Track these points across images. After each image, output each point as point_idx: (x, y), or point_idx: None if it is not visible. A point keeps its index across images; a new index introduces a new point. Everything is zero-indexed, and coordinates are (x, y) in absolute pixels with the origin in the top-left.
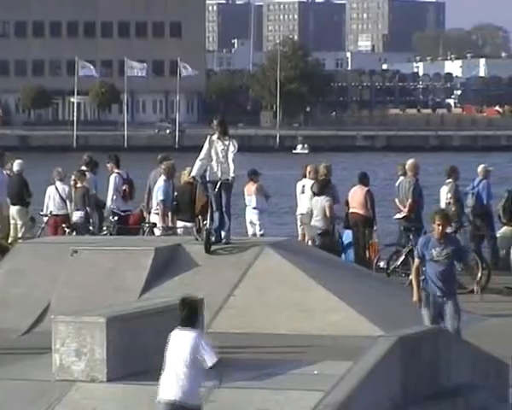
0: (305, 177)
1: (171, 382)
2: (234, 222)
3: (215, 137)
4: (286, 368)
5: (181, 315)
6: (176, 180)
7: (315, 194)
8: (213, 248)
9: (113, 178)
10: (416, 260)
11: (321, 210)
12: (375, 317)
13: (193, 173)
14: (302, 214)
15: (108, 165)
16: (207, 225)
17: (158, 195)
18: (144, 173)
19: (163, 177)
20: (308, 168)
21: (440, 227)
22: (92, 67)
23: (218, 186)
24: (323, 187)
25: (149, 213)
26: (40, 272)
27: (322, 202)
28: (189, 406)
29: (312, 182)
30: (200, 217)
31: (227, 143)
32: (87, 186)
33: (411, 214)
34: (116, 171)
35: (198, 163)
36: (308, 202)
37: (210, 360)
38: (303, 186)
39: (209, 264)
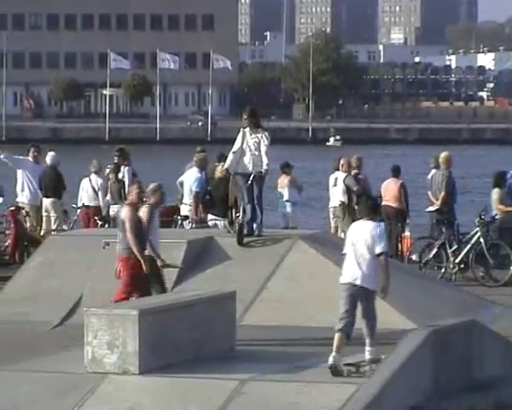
0: (337, 170)
1: (354, 267)
2: (266, 214)
3: (247, 130)
4: (318, 361)
5: (366, 209)
6: (209, 174)
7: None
8: (246, 240)
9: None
10: None
11: None
12: (406, 310)
13: (226, 166)
14: (334, 207)
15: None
16: (240, 217)
17: (193, 186)
18: (176, 166)
19: (196, 169)
20: (341, 161)
21: None
22: (123, 59)
23: (250, 179)
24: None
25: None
26: (72, 265)
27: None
28: (369, 289)
29: (345, 175)
30: (232, 209)
31: (259, 135)
32: (124, 180)
33: (444, 207)
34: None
35: (231, 156)
36: (341, 195)
37: (380, 248)
38: (335, 179)
39: (241, 257)
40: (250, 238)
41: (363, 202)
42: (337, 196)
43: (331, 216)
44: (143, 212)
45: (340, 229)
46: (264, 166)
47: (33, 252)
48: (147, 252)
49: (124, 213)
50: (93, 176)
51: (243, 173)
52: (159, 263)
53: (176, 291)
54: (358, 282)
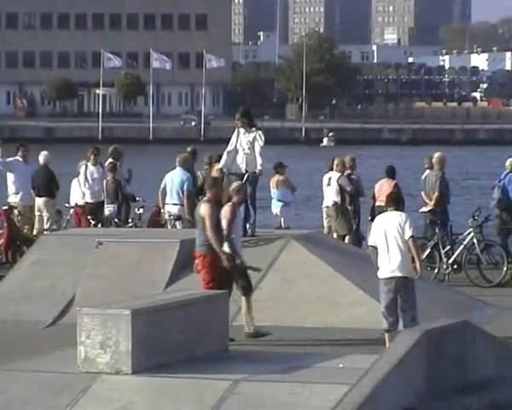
0: (331, 170)
1: (389, 259)
2: (259, 215)
3: (242, 129)
4: (311, 361)
5: (391, 200)
6: (203, 172)
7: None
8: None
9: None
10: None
11: None
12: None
13: (220, 166)
14: (328, 207)
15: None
16: None
17: (185, 186)
18: (170, 166)
19: (180, 168)
20: (335, 161)
21: None
22: (114, 57)
23: (244, 179)
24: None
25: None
26: (65, 264)
27: None
28: (408, 277)
29: (339, 175)
30: None
31: (253, 135)
32: (118, 179)
33: (437, 208)
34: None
35: (225, 156)
36: (334, 195)
37: (410, 232)
38: (329, 179)
39: None
40: (243, 238)
41: (387, 196)
42: (330, 195)
43: (324, 216)
44: (226, 211)
45: (334, 229)
46: (258, 167)
47: (26, 251)
48: (226, 249)
49: (203, 209)
50: (81, 175)
51: (237, 173)
52: (237, 262)
53: (169, 291)
54: (397, 273)
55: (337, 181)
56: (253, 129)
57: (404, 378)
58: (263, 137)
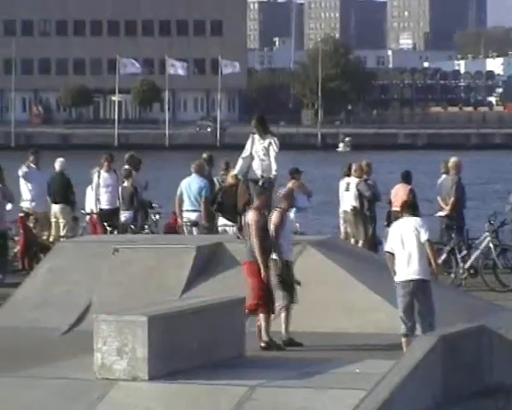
0: (347, 175)
1: (407, 262)
2: None
3: (256, 136)
4: (327, 367)
5: (406, 207)
6: (219, 178)
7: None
8: None
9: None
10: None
11: None
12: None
13: (235, 172)
14: (346, 212)
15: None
16: None
17: (203, 192)
18: (186, 172)
19: (195, 175)
20: (353, 166)
21: None
22: (135, 62)
23: (259, 185)
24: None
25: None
26: (81, 271)
27: None
28: (426, 279)
29: (358, 180)
30: (242, 215)
31: (268, 141)
32: (134, 185)
33: (453, 213)
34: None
35: (240, 161)
36: (353, 200)
37: (426, 235)
38: (347, 184)
39: None
40: None
41: (403, 203)
42: (349, 201)
43: (341, 221)
44: (274, 216)
45: (351, 234)
46: (273, 172)
47: (42, 258)
48: (275, 256)
49: (249, 217)
50: (94, 182)
51: (252, 179)
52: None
53: (185, 297)
54: (414, 276)
55: (356, 186)
56: (268, 135)
57: (420, 383)
58: (278, 143)
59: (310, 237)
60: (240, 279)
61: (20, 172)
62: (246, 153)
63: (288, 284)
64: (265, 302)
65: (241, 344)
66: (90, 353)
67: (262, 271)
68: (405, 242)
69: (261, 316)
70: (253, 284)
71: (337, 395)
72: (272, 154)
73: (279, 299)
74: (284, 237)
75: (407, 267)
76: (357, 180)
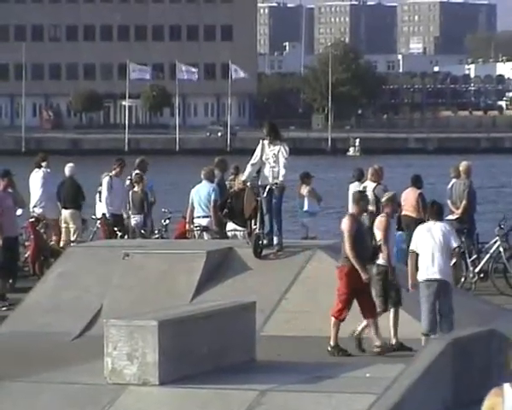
0: (358, 180)
1: (431, 263)
2: (285, 224)
3: (266, 142)
4: (338, 371)
5: (434, 212)
6: (227, 183)
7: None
8: (265, 252)
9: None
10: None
11: None
12: None
13: (243, 177)
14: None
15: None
16: (257, 229)
17: (212, 196)
18: (196, 177)
19: (205, 181)
20: (370, 171)
21: None
22: (146, 68)
23: (268, 190)
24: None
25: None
26: (92, 276)
27: None
28: (447, 281)
29: (375, 185)
30: (251, 220)
31: (278, 147)
32: (145, 190)
33: (464, 216)
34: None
35: (249, 167)
36: (370, 205)
37: (456, 242)
38: (363, 188)
39: (261, 267)
40: (269, 250)
41: (430, 208)
42: None
43: None
44: (380, 222)
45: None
46: (280, 178)
47: (53, 263)
48: (381, 261)
49: (344, 223)
50: (105, 187)
51: (262, 185)
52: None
53: (195, 302)
54: (438, 276)
55: (373, 191)
56: (278, 141)
57: (430, 387)
58: (287, 149)
59: (320, 241)
60: (250, 284)
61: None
62: (255, 159)
63: (394, 288)
64: (347, 307)
65: (251, 349)
66: (100, 358)
67: (362, 275)
68: (432, 244)
69: (369, 321)
70: (338, 289)
71: (348, 400)
72: (282, 160)
73: (381, 304)
74: (389, 242)
75: (431, 267)
76: (373, 185)
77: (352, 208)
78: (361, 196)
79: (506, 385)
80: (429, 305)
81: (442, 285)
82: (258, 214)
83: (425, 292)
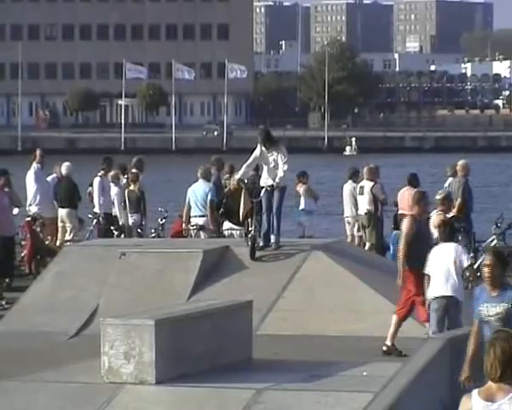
0: (351, 178)
1: (443, 281)
2: (282, 224)
3: (263, 148)
4: (335, 370)
5: (447, 233)
6: (224, 183)
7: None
8: (262, 251)
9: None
10: (474, 322)
11: None
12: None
13: (237, 176)
14: (360, 216)
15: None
16: (252, 231)
17: (209, 195)
18: (193, 176)
19: (202, 180)
20: (365, 170)
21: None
22: (142, 68)
23: (268, 190)
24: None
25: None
26: (88, 275)
27: None
28: (458, 299)
29: (372, 184)
30: (249, 220)
31: (276, 153)
32: (141, 189)
33: (461, 215)
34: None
35: (244, 167)
36: (367, 204)
37: (466, 263)
38: (361, 188)
39: (257, 266)
40: (267, 249)
41: (442, 230)
42: (363, 204)
43: (347, 225)
44: (405, 224)
45: (366, 238)
46: (277, 179)
47: (49, 263)
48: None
49: (403, 224)
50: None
51: (263, 186)
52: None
53: (192, 301)
54: (449, 292)
55: (371, 190)
56: (274, 147)
57: (428, 386)
58: (285, 152)
59: (317, 240)
60: (246, 283)
61: (33, 172)
62: (251, 160)
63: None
64: (402, 308)
65: (248, 347)
66: (97, 357)
67: (398, 279)
68: (444, 264)
69: (394, 318)
70: (409, 287)
71: (344, 398)
72: (281, 164)
73: None
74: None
75: (444, 285)
76: (371, 184)
77: (412, 209)
78: (421, 197)
79: (474, 392)
80: (438, 320)
81: (452, 302)
82: (254, 216)
83: (435, 306)
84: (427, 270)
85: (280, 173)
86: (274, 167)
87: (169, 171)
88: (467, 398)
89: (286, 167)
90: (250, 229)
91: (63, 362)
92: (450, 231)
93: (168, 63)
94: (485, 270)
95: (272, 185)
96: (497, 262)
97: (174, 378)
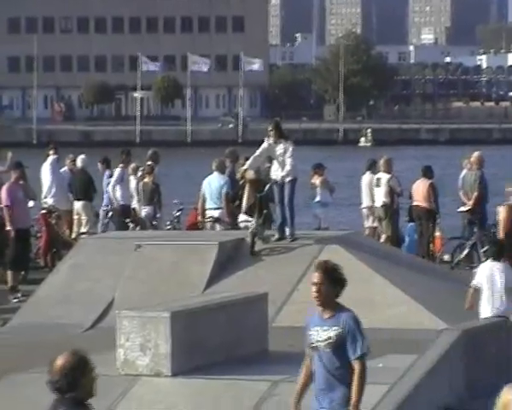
0: (369, 170)
1: (493, 301)
2: (298, 215)
3: (271, 140)
4: None
5: (491, 251)
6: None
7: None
8: (277, 243)
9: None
10: (306, 352)
11: None
12: (438, 310)
13: (245, 166)
14: (376, 208)
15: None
16: (254, 226)
17: (224, 188)
18: (208, 168)
19: (217, 173)
20: (382, 162)
21: (317, 288)
22: (152, 63)
23: (278, 183)
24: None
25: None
26: (104, 267)
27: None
28: (509, 319)
29: (389, 176)
30: (262, 212)
31: (283, 147)
32: (156, 181)
33: (476, 207)
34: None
35: (252, 159)
36: (384, 196)
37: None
38: (378, 179)
39: (273, 259)
40: (282, 242)
41: (491, 247)
42: (380, 196)
43: (364, 217)
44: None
45: (383, 230)
46: (284, 173)
47: (65, 255)
48: None
49: (500, 212)
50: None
51: (274, 179)
52: None
53: (207, 293)
54: (499, 313)
55: (387, 182)
56: (282, 140)
57: (443, 378)
58: (293, 147)
59: (332, 232)
60: (262, 275)
61: (49, 164)
62: (260, 153)
63: None
64: None
65: (263, 339)
66: (112, 349)
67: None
68: (493, 282)
69: None
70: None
71: None
72: (288, 159)
73: None
74: None
75: (493, 306)
76: (388, 176)
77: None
78: None
79: None
80: None
81: (505, 323)
82: (257, 210)
83: None
84: (476, 282)
85: (287, 167)
86: (282, 161)
87: (184, 163)
88: (508, 388)
89: (292, 161)
90: (252, 223)
91: None
92: (500, 250)
93: (183, 56)
94: (313, 288)
95: (282, 178)
96: (325, 279)
97: (190, 370)
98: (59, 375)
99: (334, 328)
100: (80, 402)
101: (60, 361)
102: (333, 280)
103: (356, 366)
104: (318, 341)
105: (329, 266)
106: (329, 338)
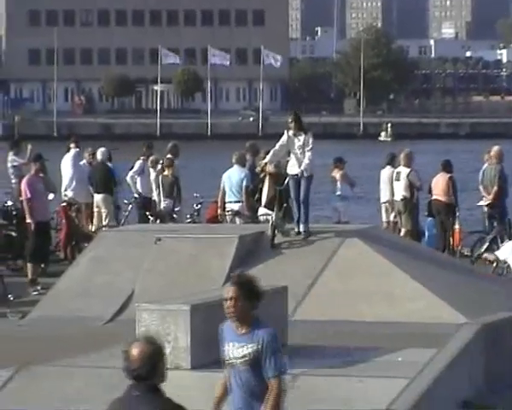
0: (389, 164)
1: None
2: (318, 210)
3: (291, 132)
4: (370, 355)
5: None
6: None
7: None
8: (296, 237)
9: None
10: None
11: None
12: (458, 304)
13: (266, 160)
14: (396, 202)
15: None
16: (274, 219)
17: (244, 181)
18: (228, 161)
19: (237, 166)
20: (402, 156)
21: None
22: (172, 55)
23: (295, 178)
24: None
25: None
26: (124, 260)
27: None
28: None
29: (409, 170)
30: (283, 205)
31: (303, 138)
32: (176, 175)
33: (496, 202)
34: None
35: (272, 152)
36: (403, 190)
37: None
38: (398, 173)
39: (293, 252)
40: (299, 237)
41: None
42: (399, 190)
43: (383, 211)
44: None
45: (402, 224)
46: (302, 168)
47: (85, 248)
48: None
49: None
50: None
51: (291, 174)
52: None
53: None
54: None
55: (407, 176)
56: (302, 132)
57: (462, 372)
58: (312, 140)
59: (352, 226)
60: (281, 268)
61: (71, 156)
62: (280, 146)
63: None
64: None
65: (283, 333)
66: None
67: None
68: None
69: None
70: None
71: (379, 384)
72: (307, 152)
73: None
74: None
75: None
76: (407, 170)
77: None
78: None
79: None
80: None
81: None
82: (276, 204)
83: None
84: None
85: (305, 161)
86: (301, 154)
87: (204, 157)
88: None
89: (311, 155)
90: (272, 217)
91: (98, 347)
92: None
93: (203, 49)
94: (228, 303)
95: (298, 174)
96: (240, 295)
97: (209, 364)
98: (138, 363)
99: (250, 345)
100: (155, 388)
101: (137, 349)
102: (248, 294)
103: (272, 385)
104: (235, 357)
105: (244, 280)
106: (245, 356)
